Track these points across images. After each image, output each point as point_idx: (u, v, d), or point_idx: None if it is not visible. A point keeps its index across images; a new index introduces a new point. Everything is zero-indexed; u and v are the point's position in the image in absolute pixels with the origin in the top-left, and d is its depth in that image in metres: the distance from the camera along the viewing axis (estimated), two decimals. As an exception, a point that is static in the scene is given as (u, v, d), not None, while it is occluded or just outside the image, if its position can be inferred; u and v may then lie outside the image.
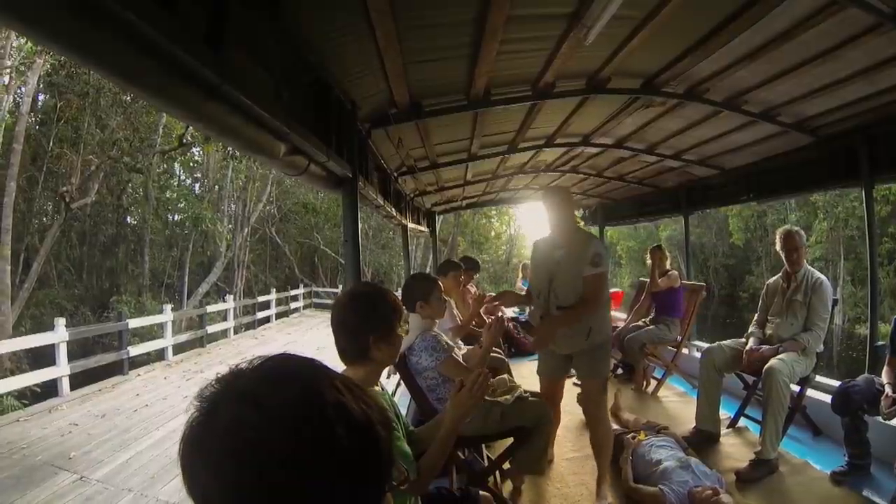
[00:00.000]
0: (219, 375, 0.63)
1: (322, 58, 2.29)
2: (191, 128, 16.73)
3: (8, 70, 13.12)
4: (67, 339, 9.11)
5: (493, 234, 33.56)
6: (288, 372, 0.65)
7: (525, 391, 3.08)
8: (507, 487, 3.35)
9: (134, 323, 11.68)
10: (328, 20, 2.07)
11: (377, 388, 1.75)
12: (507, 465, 3.13)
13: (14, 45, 13.19)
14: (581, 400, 3.36)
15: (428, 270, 15.69)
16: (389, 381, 4.62)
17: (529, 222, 35.42)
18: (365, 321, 1.69)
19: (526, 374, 4.56)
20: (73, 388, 9.06)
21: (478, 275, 7.14)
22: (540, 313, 3.18)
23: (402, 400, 3.65)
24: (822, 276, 3.79)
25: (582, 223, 3.22)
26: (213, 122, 1.57)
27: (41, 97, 17.82)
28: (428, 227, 8.75)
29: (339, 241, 26.50)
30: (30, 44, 12.93)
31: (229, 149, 17.80)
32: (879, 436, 3.27)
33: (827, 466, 3.37)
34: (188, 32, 1.30)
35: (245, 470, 0.55)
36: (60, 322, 9.08)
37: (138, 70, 1.22)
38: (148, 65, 1.22)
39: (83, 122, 16.19)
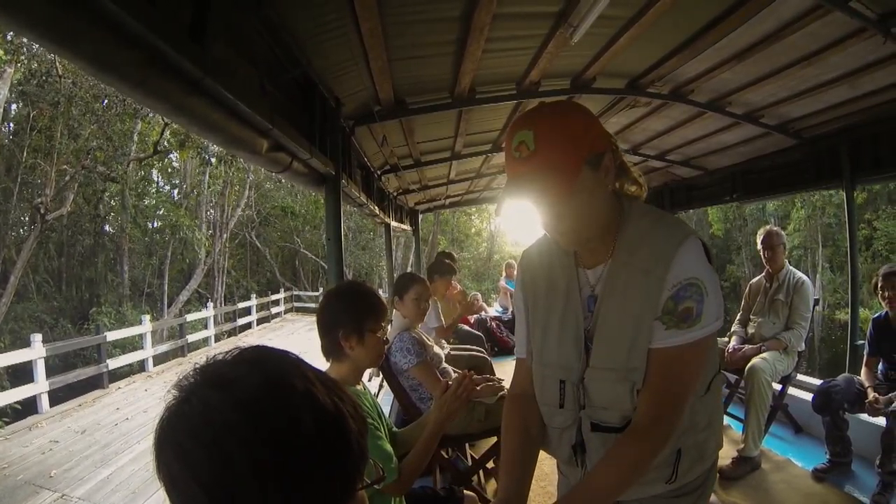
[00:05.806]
0: (197, 365, 0.63)
1: (307, 54, 2.26)
2: (166, 134, 16.49)
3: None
4: (44, 355, 8.95)
5: (473, 231, 33.48)
6: (261, 360, 0.64)
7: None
8: (492, 486, 3.35)
9: (112, 335, 11.49)
10: (313, 15, 2.04)
11: (358, 388, 1.74)
12: (490, 464, 3.13)
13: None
14: None
15: (409, 269, 15.64)
16: (372, 383, 4.60)
17: (509, 218, 35.13)
18: (337, 316, 1.68)
19: (509, 373, 4.53)
20: (52, 403, 8.95)
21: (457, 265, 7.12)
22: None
23: (386, 399, 3.63)
24: (804, 276, 3.84)
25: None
26: (196, 118, 1.53)
27: (13, 107, 17.23)
28: (411, 225, 8.71)
29: (319, 244, 26.22)
30: (0, 51, 12.61)
31: (205, 155, 17.63)
32: (860, 433, 3.31)
33: (808, 463, 3.41)
34: (171, 24, 1.27)
35: (211, 455, 0.55)
36: (37, 338, 8.95)
37: (117, 61, 1.18)
38: (128, 56, 1.18)
39: (56, 131, 15.68)
